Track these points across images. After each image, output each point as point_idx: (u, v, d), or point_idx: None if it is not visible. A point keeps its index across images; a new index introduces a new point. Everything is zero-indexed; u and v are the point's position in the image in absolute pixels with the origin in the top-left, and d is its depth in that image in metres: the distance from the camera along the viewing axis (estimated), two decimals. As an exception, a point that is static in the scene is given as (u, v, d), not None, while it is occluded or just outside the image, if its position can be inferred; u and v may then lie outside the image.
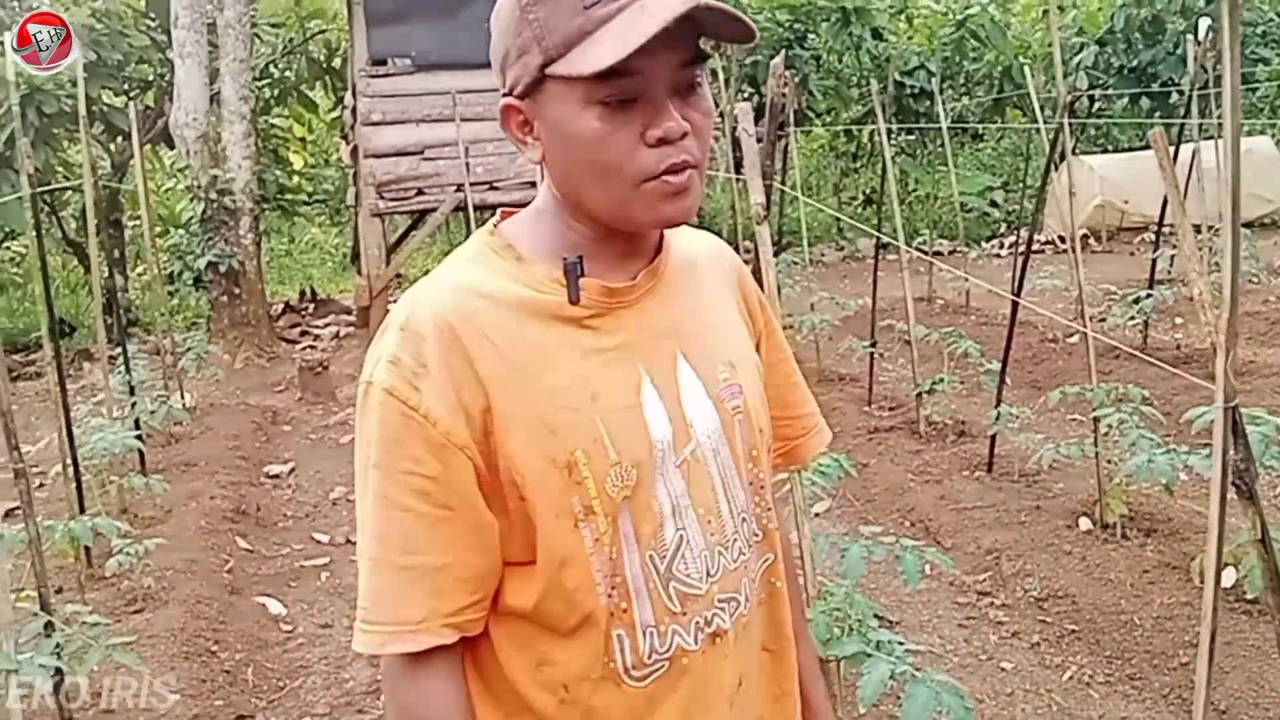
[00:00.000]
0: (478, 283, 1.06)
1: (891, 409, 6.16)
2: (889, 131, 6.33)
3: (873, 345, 6.35)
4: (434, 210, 9.29)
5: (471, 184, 7.56)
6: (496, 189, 9.02)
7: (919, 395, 5.66)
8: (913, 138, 12.98)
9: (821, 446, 1.38)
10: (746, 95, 10.45)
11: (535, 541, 1.04)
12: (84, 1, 9.69)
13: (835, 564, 3.42)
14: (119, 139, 9.94)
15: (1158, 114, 12.30)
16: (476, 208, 7.58)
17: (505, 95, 1.07)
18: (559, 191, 1.09)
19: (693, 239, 1.24)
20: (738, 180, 10.84)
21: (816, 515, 4.68)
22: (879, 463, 5.27)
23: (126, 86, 10.28)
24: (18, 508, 3.85)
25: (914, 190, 13.18)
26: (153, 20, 10.15)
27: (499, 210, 1.19)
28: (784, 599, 1.23)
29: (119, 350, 6.03)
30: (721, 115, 11.89)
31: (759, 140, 2.50)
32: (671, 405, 1.10)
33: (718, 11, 0.99)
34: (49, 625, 3.03)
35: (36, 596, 3.07)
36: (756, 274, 2.65)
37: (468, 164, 7.36)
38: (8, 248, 11.39)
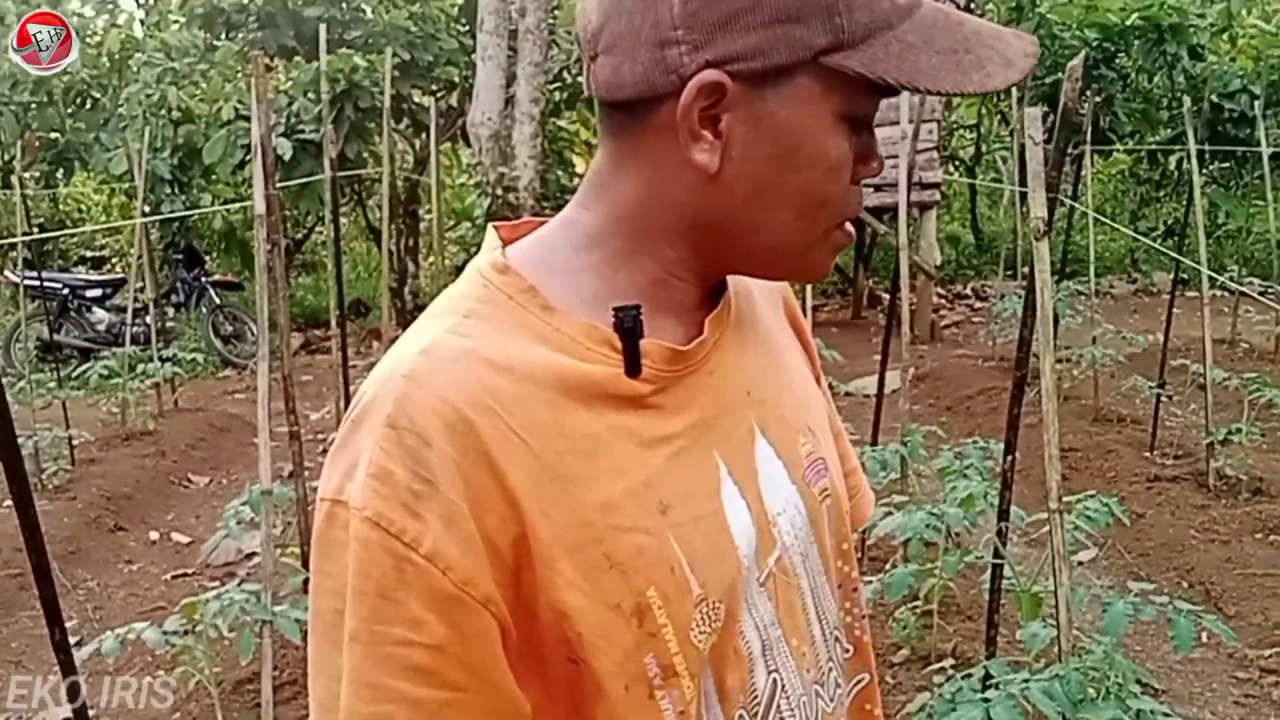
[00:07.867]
0: (493, 348, 0.73)
1: (1176, 458, 5.64)
2: (1200, 157, 5.80)
3: (1160, 386, 5.84)
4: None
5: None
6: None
7: (1210, 445, 5.15)
8: (1227, 166, 11.86)
9: (870, 511, 1.05)
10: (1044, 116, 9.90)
11: (590, 718, 0.74)
12: (404, 4, 10.41)
13: (1096, 618, 3.15)
14: (424, 135, 10.62)
15: None
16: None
17: (708, 66, 0.72)
18: (702, 217, 0.77)
19: None
20: (1022, 200, 10.32)
21: (1080, 564, 4.34)
22: (1157, 514, 4.83)
23: (434, 87, 10.97)
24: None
25: (1224, 223, 12.06)
26: (463, 25, 10.79)
27: (490, 225, 0.83)
28: None
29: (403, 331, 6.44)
30: (1011, 134, 11.35)
31: (1046, 151, 2.33)
32: (753, 500, 0.80)
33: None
34: (307, 582, 3.24)
35: (298, 554, 3.30)
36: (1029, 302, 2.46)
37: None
38: (319, 231, 12.41)
